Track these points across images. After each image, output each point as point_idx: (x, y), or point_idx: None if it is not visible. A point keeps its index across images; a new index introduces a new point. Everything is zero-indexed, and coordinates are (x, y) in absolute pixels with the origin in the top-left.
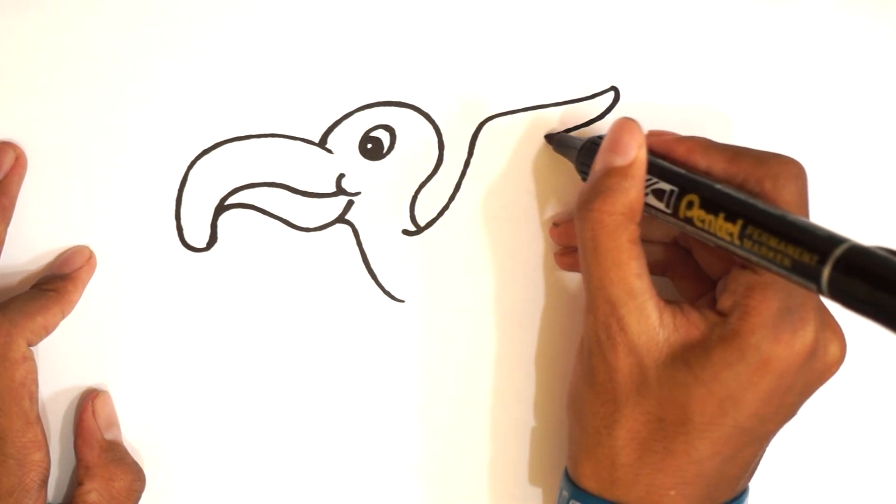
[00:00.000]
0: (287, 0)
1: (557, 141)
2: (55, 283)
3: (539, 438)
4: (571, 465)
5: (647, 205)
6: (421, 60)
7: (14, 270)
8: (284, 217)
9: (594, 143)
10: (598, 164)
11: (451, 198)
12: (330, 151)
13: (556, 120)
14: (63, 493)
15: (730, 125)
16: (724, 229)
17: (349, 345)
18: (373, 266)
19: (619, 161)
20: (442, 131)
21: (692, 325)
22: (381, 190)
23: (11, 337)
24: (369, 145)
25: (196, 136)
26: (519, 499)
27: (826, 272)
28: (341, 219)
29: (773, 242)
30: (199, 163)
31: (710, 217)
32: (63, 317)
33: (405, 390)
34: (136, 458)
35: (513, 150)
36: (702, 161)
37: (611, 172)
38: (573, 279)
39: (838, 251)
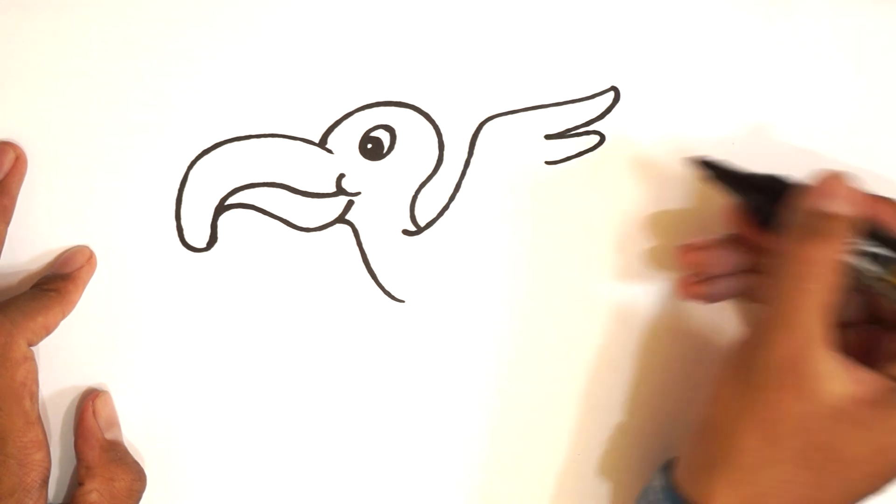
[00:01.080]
0: (287, 0)
1: (714, 167)
2: (55, 283)
3: (539, 438)
4: (694, 483)
5: (854, 267)
6: (421, 60)
7: (14, 270)
8: (284, 217)
9: (774, 179)
10: (816, 203)
11: (451, 198)
12: (330, 151)
13: (556, 120)
14: (64, 493)
15: (730, 125)
16: None
17: (349, 345)
18: (373, 266)
19: (845, 210)
20: (442, 131)
21: (860, 381)
22: (381, 190)
23: (12, 337)
24: (369, 145)
25: (196, 136)
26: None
27: None
28: (341, 219)
29: None
30: (199, 163)
31: None
32: (63, 317)
33: (405, 390)
34: (136, 458)
35: (513, 150)
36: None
37: (834, 218)
38: (571, 278)
39: None
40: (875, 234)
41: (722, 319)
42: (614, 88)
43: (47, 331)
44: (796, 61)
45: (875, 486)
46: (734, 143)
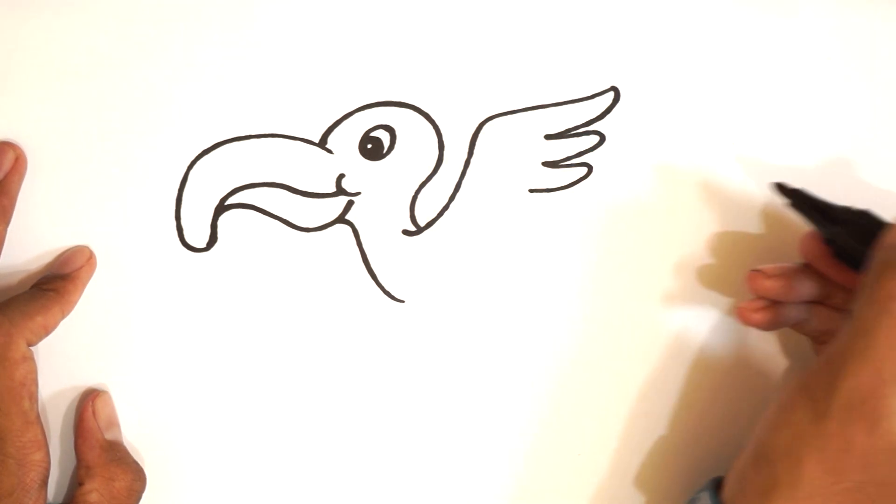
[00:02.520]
0: (287, 0)
1: (797, 194)
2: (55, 283)
3: (539, 438)
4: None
5: None
6: (421, 60)
7: (14, 270)
8: (284, 217)
9: (873, 219)
10: None
11: (451, 198)
12: (330, 151)
13: (556, 120)
14: (63, 493)
15: (730, 125)
16: None
17: (349, 345)
18: (373, 266)
19: None
20: (442, 131)
21: None
22: (381, 190)
23: (11, 337)
24: (369, 145)
25: (196, 136)
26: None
27: None
28: (341, 219)
29: None
30: (199, 163)
31: None
32: (63, 317)
33: (405, 390)
34: (136, 458)
35: (513, 150)
36: None
37: None
38: (570, 279)
39: None
40: None
41: (771, 346)
42: (614, 88)
43: (46, 331)
44: (797, 61)
45: None
46: (734, 143)
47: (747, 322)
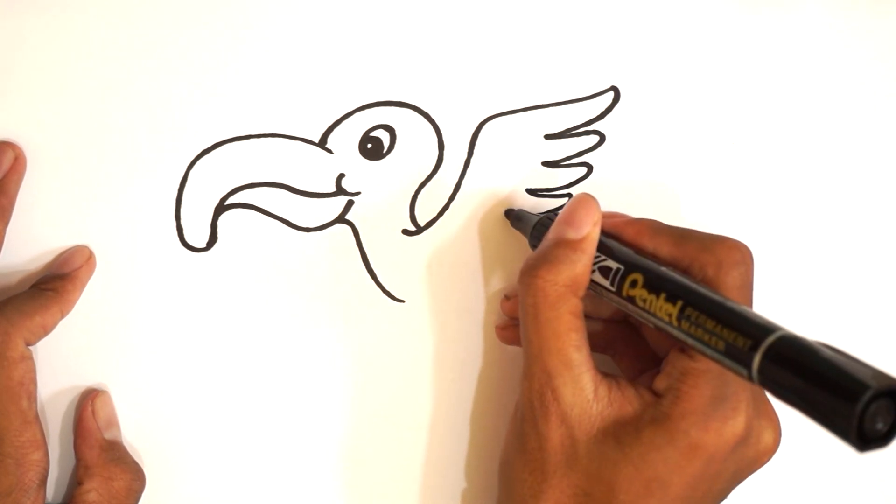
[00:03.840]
0: (287, 1)
1: (515, 217)
2: (54, 283)
3: None
4: None
5: (592, 281)
6: (421, 60)
7: (13, 270)
8: (284, 217)
9: (549, 219)
10: (551, 234)
11: (451, 198)
12: (330, 151)
13: (556, 120)
14: (63, 493)
15: (730, 125)
16: (663, 309)
17: (349, 345)
18: (373, 266)
19: (572, 234)
20: (442, 131)
21: (626, 401)
22: (381, 190)
23: (9, 336)
24: (369, 145)
25: (196, 136)
26: None
27: (757, 359)
28: (341, 219)
29: (709, 325)
30: (199, 163)
31: (652, 297)
32: (62, 316)
33: (405, 390)
34: (135, 458)
35: (513, 150)
36: (649, 243)
37: (560, 243)
38: None
39: (770, 339)
40: (612, 251)
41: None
42: (614, 88)
43: (45, 330)
44: (797, 61)
45: None
46: (734, 143)
47: (501, 340)
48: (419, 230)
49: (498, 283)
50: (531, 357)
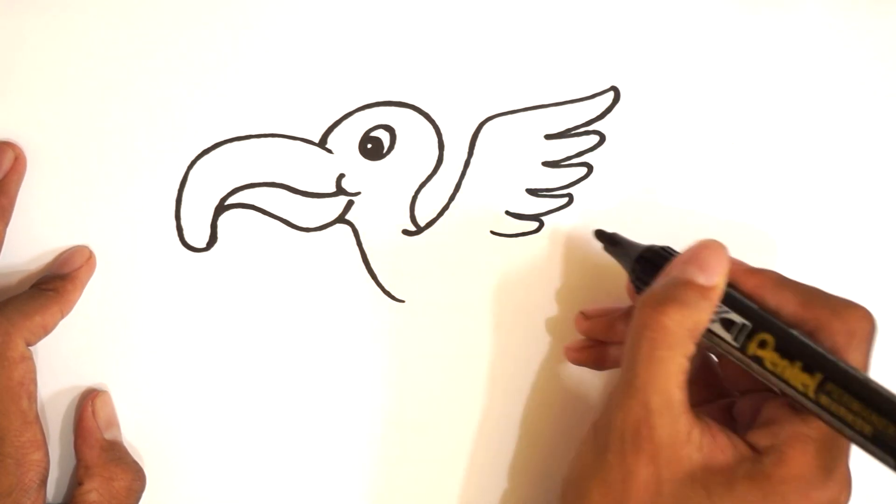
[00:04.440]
0: (288, 1)
1: (609, 240)
2: (54, 283)
3: (538, 437)
4: None
5: (712, 332)
6: (421, 60)
7: (13, 270)
8: (284, 217)
9: (659, 253)
10: (678, 272)
11: (451, 198)
12: (330, 151)
13: (556, 120)
14: (63, 493)
15: (730, 125)
16: (799, 379)
17: (349, 345)
18: (373, 266)
19: (703, 280)
20: (442, 131)
21: (718, 448)
22: (381, 190)
23: (10, 336)
24: (369, 145)
25: (196, 136)
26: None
27: None
28: (341, 219)
29: (855, 406)
30: (199, 163)
31: (785, 363)
32: (62, 316)
33: (405, 390)
34: (136, 458)
35: (513, 150)
36: (772, 299)
37: (691, 287)
38: (570, 282)
39: None
40: (738, 304)
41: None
42: (614, 88)
43: (45, 331)
44: (797, 60)
45: None
46: (734, 143)
47: (570, 360)
48: (419, 230)
49: (498, 283)
50: (633, 389)
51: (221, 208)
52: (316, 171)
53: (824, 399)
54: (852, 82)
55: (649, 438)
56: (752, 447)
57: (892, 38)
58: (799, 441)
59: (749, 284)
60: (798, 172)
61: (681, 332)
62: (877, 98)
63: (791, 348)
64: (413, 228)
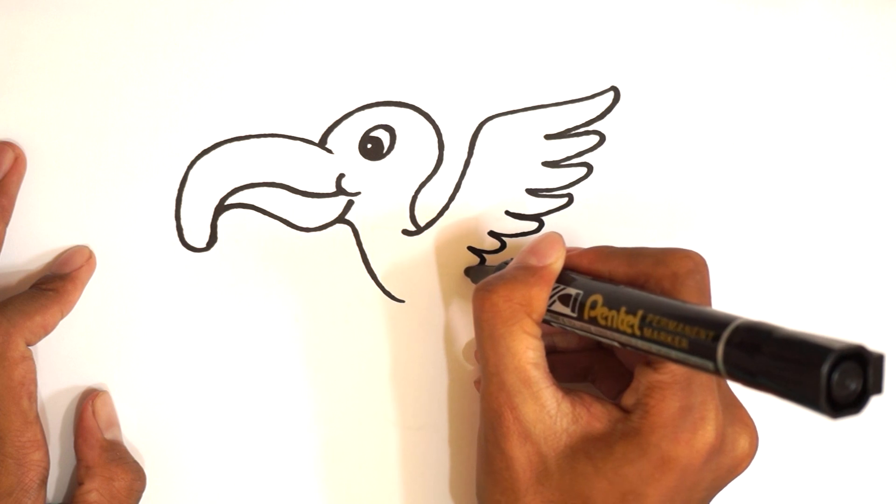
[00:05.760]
0: (287, 1)
1: (475, 273)
2: (54, 283)
3: None
4: None
5: (555, 312)
6: (421, 60)
7: (13, 270)
8: (284, 217)
9: (506, 265)
10: (514, 261)
11: (451, 198)
12: (330, 151)
13: (556, 120)
14: (63, 493)
15: (730, 125)
16: (625, 322)
17: (349, 345)
18: (373, 266)
19: (534, 261)
20: (442, 131)
21: (594, 417)
22: (381, 190)
23: (10, 336)
24: (369, 145)
25: (196, 136)
26: None
27: (720, 348)
28: (341, 219)
29: (671, 326)
30: (199, 163)
31: (612, 313)
32: (62, 316)
33: (405, 390)
34: (136, 458)
35: (513, 150)
36: (604, 268)
37: (520, 268)
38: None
39: (731, 327)
40: (569, 279)
41: None
42: (614, 88)
43: (46, 330)
44: (797, 60)
45: None
46: (734, 143)
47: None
48: (419, 230)
49: None
50: (488, 375)
51: (221, 208)
52: (316, 171)
53: (648, 331)
54: (852, 82)
55: (516, 420)
56: (623, 409)
57: (893, 38)
58: (656, 389)
59: (583, 263)
60: (798, 172)
61: (512, 306)
62: (877, 98)
63: (614, 299)
64: (413, 228)
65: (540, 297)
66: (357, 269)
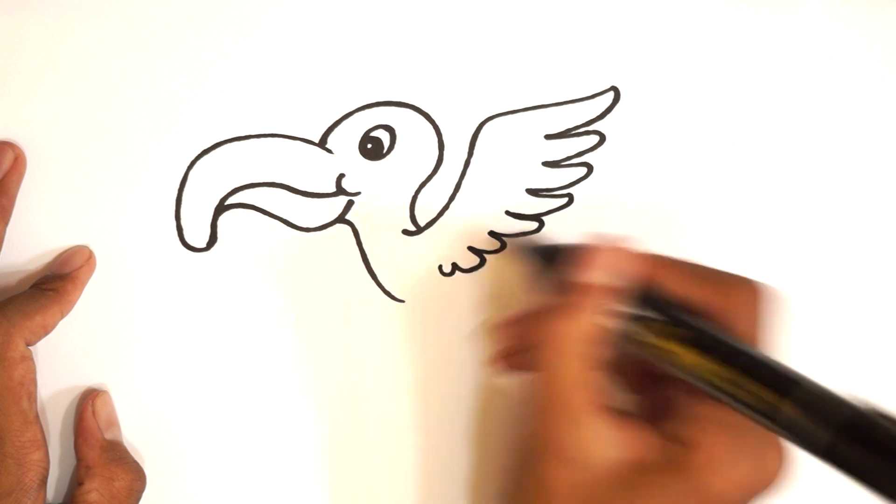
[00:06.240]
0: (288, 1)
1: (517, 245)
2: (54, 283)
3: None
4: None
5: (616, 330)
6: (421, 60)
7: (13, 270)
8: (284, 217)
9: (552, 250)
10: (572, 274)
11: (451, 198)
12: (330, 151)
13: (556, 120)
14: (63, 493)
15: (730, 125)
16: (710, 371)
17: (349, 345)
18: (373, 266)
19: (604, 278)
20: (442, 131)
21: (636, 444)
22: (381, 190)
23: (10, 336)
24: (369, 145)
25: (196, 136)
26: None
27: (826, 436)
28: (341, 219)
29: (767, 397)
30: (199, 163)
31: (693, 355)
32: (62, 316)
33: (405, 390)
34: (136, 458)
35: (513, 150)
36: (666, 282)
37: (592, 289)
38: None
39: (843, 415)
40: (647, 297)
41: None
42: (614, 88)
43: (45, 330)
44: (797, 60)
45: None
46: (734, 143)
47: (499, 368)
48: (419, 230)
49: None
50: (537, 398)
51: (221, 208)
52: (316, 171)
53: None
54: (852, 82)
55: (555, 444)
56: (669, 437)
57: (893, 38)
58: (709, 422)
59: (664, 275)
60: (798, 171)
61: (578, 338)
62: (877, 98)
63: (707, 343)
64: (413, 228)
65: (600, 323)
66: (357, 269)
